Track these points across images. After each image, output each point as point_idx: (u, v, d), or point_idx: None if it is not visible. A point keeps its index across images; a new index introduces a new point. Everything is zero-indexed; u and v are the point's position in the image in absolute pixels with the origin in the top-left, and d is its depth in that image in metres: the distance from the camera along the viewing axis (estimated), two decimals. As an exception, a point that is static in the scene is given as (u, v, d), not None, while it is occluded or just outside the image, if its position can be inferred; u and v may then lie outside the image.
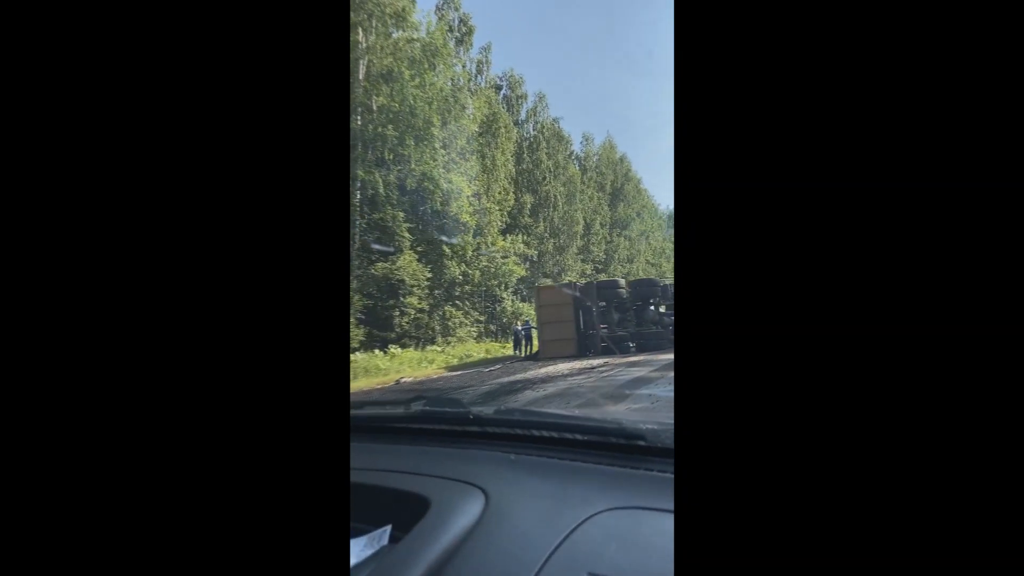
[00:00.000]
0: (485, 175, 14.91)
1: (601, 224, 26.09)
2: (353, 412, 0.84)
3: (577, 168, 26.30)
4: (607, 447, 0.60)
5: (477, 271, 14.19)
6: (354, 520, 0.53)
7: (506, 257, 15.51)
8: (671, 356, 7.62)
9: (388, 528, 0.53)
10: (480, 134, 15.09)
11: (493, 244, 15.41)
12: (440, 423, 0.75)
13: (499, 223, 16.36)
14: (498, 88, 20.71)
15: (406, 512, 0.51)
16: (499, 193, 16.38)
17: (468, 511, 0.49)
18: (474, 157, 14.07)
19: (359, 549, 0.51)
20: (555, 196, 20.36)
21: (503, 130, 16.46)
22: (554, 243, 20.20)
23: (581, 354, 9.68)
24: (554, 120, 22.29)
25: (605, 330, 10.04)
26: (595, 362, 8.13)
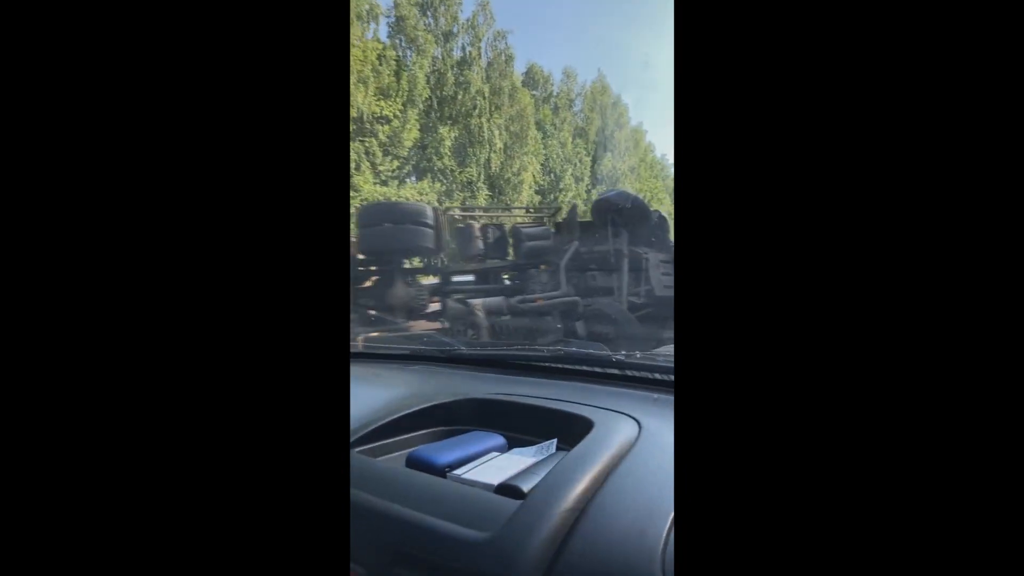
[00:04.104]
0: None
1: (575, 177, 20.57)
2: (506, 351, 0.98)
3: (549, 107, 20.84)
4: None
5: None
6: (522, 433, 0.62)
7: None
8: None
9: (555, 441, 0.59)
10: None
11: (356, 190, 10.37)
12: (585, 363, 0.81)
13: (378, 160, 11.33)
14: (421, -10, 15.45)
15: (570, 430, 0.58)
16: (376, 113, 11.29)
17: (626, 433, 0.55)
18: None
19: (531, 455, 0.57)
20: (491, 133, 15.06)
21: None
22: (490, 196, 15.00)
23: None
24: (501, 32, 16.73)
25: None
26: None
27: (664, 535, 0.40)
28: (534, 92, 21.91)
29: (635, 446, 0.53)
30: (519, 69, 21.00)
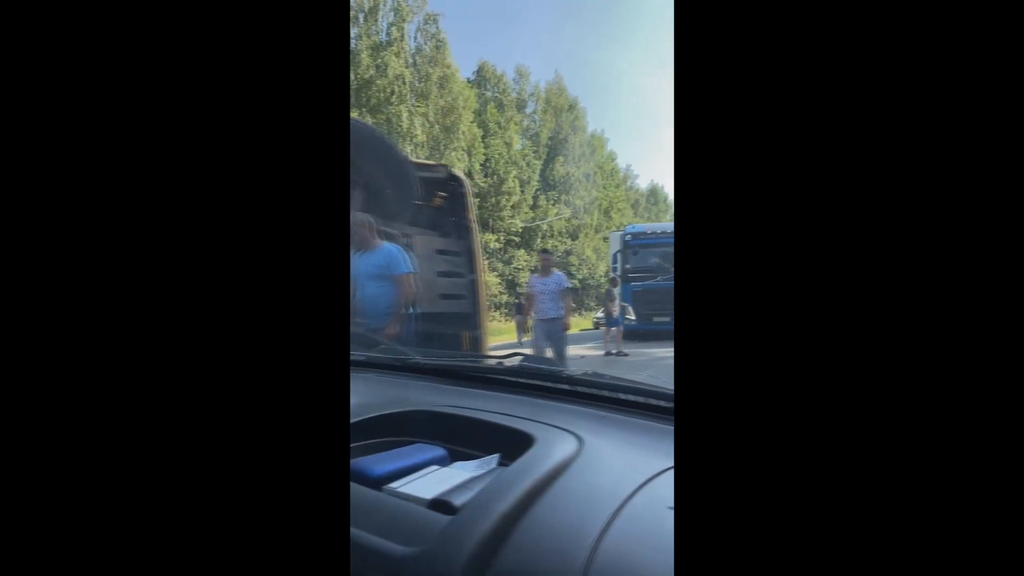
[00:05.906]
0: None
1: (520, 180, 18.91)
2: (455, 361, 0.97)
3: (494, 105, 19.22)
4: None
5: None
6: (466, 447, 0.64)
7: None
8: None
9: (497, 456, 0.61)
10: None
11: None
12: (536, 378, 0.83)
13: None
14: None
15: (512, 445, 0.59)
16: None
17: (566, 450, 0.56)
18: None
19: (470, 469, 0.58)
20: (412, 123, 13.28)
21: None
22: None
23: None
24: (432, 15, 15.05)
25: None
26: None
27: (588, 553, 0.41)
28: (485, 92, 20.33)
29: (573, 463, 0.53)
30: (469, 68, 19.41)
